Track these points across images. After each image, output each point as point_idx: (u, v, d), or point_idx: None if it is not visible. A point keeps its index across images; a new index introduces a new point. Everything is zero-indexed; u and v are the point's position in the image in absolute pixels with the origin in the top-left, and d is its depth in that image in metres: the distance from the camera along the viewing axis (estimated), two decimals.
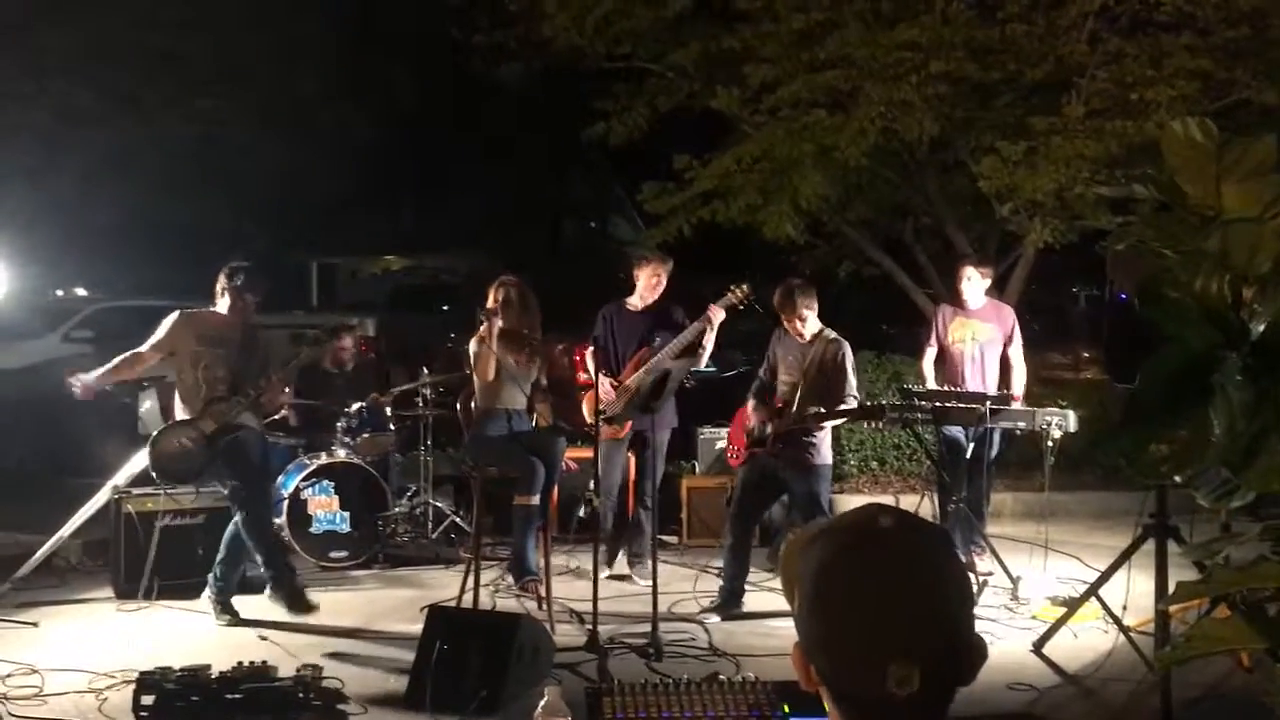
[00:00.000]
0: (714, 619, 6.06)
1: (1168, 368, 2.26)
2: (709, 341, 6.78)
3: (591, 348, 6.73)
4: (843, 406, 6.10)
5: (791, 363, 6.24)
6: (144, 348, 6.11)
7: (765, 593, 6.40)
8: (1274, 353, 2.17)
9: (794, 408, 6.10)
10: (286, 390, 6.52)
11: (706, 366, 7.17)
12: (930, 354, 7.24)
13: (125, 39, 14.17)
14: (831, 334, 6.25)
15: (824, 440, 6.19)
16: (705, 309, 6.74)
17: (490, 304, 6.38)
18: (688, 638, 5.72)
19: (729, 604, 6.15)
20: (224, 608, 5.99)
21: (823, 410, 6.06)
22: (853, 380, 6.20)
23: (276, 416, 7.71)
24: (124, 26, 14.07)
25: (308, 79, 16.05)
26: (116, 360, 6.08)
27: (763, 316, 6.99)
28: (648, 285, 6.98)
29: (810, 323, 6.25)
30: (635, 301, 7.02)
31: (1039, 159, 8.47)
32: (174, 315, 6.16)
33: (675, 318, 6.92)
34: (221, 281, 6.23)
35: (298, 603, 6.07)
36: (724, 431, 8.06)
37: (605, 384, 6.73)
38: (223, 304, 6.21)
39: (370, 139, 18.75)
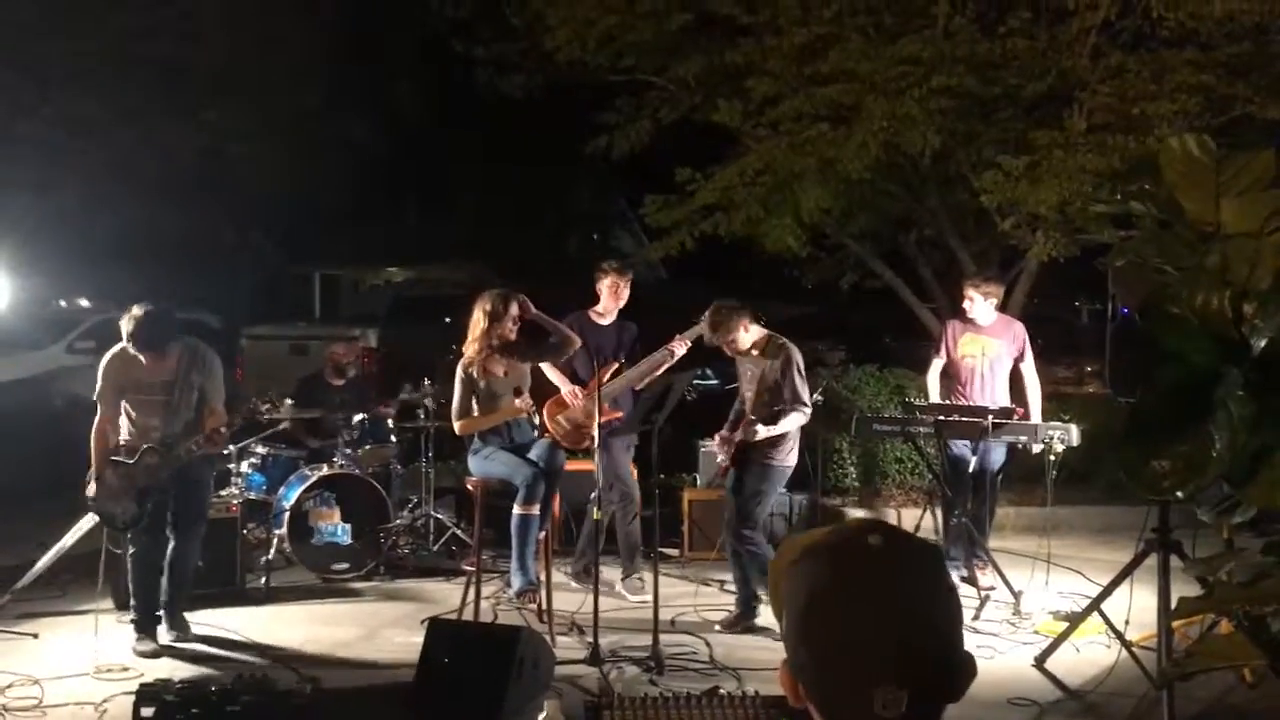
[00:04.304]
0: (754, 618, 6.10)
1: (1169, 383, 2.26)
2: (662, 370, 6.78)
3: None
4: (785, 415, 6.02)
5: (749, 378, 6.22)
6: (100, 410, 5.74)
7: (767, 606, 6.39)
8: (1275, 368, 2.16)
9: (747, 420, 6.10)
10: (229, 427, 5.99)
11: (709, 379, 7.16)
12: (936, 366, 7.19)
13: (130, 50, 14.22)
14: (779, 340, 6.17)
15: (783, 443, 6.11)
16: (671, 339, 6.74)
17: (478, 320, 6.37)
18: (689, 651, 5.71)
19: (747, 605, 6.17)
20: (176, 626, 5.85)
21: (757, 420, 6.03)
22: (798, 383, 6.04)
23: (279, 429, 7.72)
24: (128, 37, 14.12)
25: (312, 91, 16.10)
26: (95, 442, 5.72)
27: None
28: (610, 297, 6.97)
29: (746, 337, 6.17)
30: (600, 313, 7.02)
31: (1041, 173, 8.48)
32: (106, 357, 5.79)
33: (627, 338, 6.98)
34: (126, 328, 5.63)
35: (150, 643, 5.74)
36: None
37: (568, 391, 6.81)
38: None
39: (374, 150, 18.79)
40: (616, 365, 6.84)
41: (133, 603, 5.84)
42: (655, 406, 6.00)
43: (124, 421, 5.76)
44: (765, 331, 6.24)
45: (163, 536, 5.80)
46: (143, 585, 5.79)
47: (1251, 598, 2.48)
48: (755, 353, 6.17)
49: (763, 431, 5.99)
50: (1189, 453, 2.17)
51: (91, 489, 5.72)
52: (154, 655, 5.62)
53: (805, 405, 6.09)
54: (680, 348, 6.73)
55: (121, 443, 5.75)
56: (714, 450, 8.08)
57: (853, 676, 1.32)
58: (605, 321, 6.99)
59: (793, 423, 6.06)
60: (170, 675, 5.06)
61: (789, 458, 6.18)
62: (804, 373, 6.17)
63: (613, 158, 10.86)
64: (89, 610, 5.82)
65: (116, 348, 5.77)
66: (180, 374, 5.75)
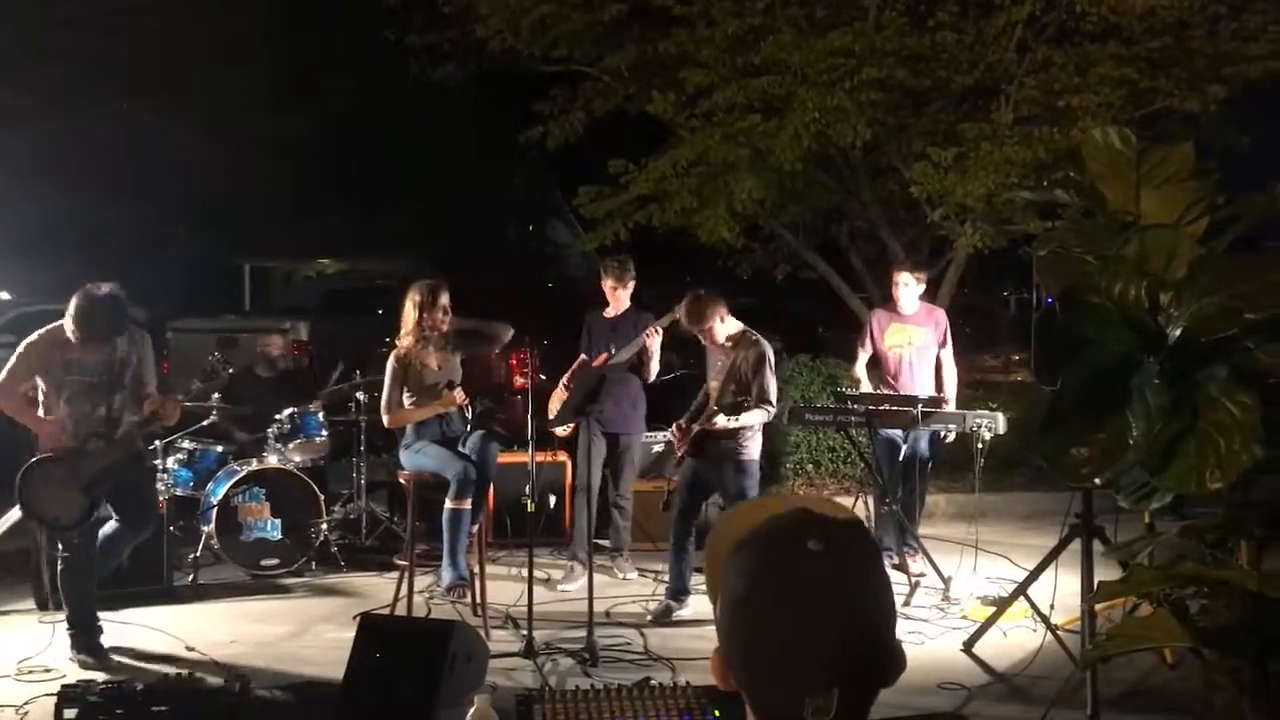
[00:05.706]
0: (683, 610, 6.12)
1: (1087, 372, 2.30)
2: (653, 358, 6.89)
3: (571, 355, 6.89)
4: (748, 409, 6.04)
5: (718, 369, 6.23)
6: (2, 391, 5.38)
7: (702, 595, 6.41)
8: (1190, 357, 2.21)
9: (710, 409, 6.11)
10: (185, 400, 5.93)
11: None
12: (863, 357, 7.29)
13: (54, 39, 13.88)
14: (753, 335, 6.20)
15: (749, 437, 6.14)
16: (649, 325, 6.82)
17: (409, 311, 6.33)
18: (623, 643, 5.72)
19: (676, 598, 6.19)
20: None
21: (720, 410, 6.05)
22: (768, 380, 6.07)
23: (206, 423, 7.58)
24: (53, 26, 13.79)
25: (241, 81, 15.85)
26: (18, 415, 5.42)
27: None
28: (609, 293, 7.13)
29: (722, 328, 6.18)
30: (610, 310, 7.17)
31: (969, 164, 8.59)
32: (33, 336, 5.43)
33: (638, 325, 6.99)
34: (80, 311, 5.36)
35: (95, 656, 5.43)
36: (660, 435, 8.06)
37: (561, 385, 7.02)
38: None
39: (305, 141, 18.54)
40: (604, 357, 6.94)
41: (68, 613, 5.46)
42: (589, 398, 6.00)
43: (55, 411, 5.40)
44: (741, 326, 6.25)
45: (96, 533, 5.55)
46: (80, 589, 5.46)
47: (1168, 580, 2.53)
48: (728, 344, 6.19)
49: (722, 421, 5.99)
50: (1106, 440, 2.21)
51: (17, 495, 5.34)
52: (100, 665, 5.32)
53: (771, 405, 6.09)
54: (653, 341, 6.83)
55: (53, 436, 5.39)
56: (649, 441, 8.12)
57: (784, 677, 1.31)
58: (611, 315, 7.15)
59: (755, 418, 6.05)
60: (94, 675, 4.96)
61: (755, 451, 6.20)
62: (775, 370, 6.20)
63: (548, 148, 10.81)
64: (7, 611, 5.67)
65: (48, 328, 5.44)
66: (119, 353, 5.47)
